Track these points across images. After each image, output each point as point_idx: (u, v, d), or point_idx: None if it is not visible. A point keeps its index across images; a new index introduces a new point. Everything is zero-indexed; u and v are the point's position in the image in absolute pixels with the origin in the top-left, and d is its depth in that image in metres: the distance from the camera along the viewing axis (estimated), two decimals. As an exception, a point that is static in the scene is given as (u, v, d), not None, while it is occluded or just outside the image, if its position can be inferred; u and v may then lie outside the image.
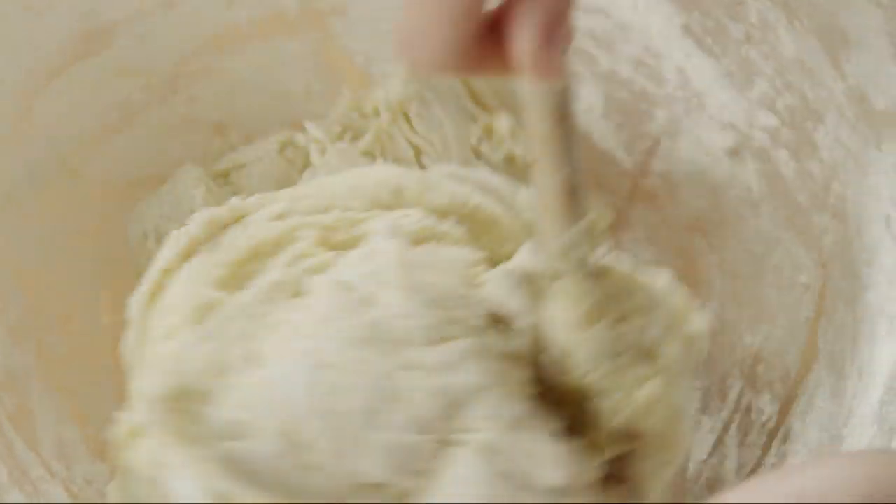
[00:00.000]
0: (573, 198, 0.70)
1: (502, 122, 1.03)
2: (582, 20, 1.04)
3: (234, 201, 0.82)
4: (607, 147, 1.08)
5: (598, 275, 0.73)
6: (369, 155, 0.99)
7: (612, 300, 0.73)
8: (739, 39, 0.96)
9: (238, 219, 0.81)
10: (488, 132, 1.03)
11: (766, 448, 0.91)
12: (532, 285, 0.74)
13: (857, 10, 0.86)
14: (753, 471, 0.91)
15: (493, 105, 1.05)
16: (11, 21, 0.93)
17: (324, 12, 1.08)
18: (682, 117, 1.02)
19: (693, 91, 1.01)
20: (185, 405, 0.70)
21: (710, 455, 0.96)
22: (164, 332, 0.75)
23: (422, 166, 1.01)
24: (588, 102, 1.07)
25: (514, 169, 1.02)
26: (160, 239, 0.92)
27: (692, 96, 1.01)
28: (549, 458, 0.69)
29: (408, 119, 1.02)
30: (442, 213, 0.83)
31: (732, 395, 0.97)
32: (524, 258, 0.78)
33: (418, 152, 1.01)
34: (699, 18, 0.98)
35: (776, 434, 0.91)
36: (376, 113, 1.03)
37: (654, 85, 1.03)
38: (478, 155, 1.01)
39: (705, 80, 1.00)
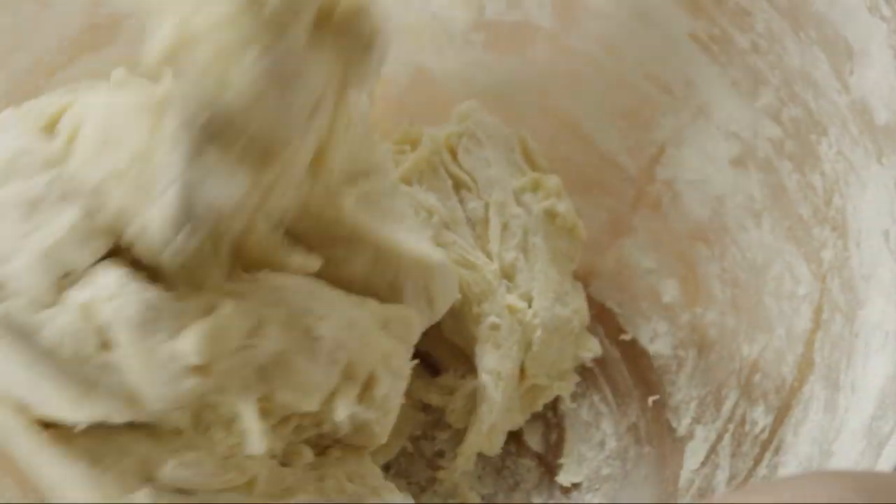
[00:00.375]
0: None
1: (552, 180, 1.03)
2: (590, 25, 1.04)
3: None
4: (612, 152, 1.08)
5: None
6: (406, 181, 0.99)
7: None
8: (746, 49, 0.96)
9: None
10: (535, 185, 1.03)
11: (758, 459, 0.91)
12: None
13: (862, 23, 0.86)
14: (744, 482, 0.92)
15: (542, 166, 1.05)
16: (18, 12, 0.93)
17: (333, 10, 1.09)
18: (688, 125, 1.02)
19: (699, 99, 1.01)
20: None
21: (703, 465, 0.96)
22: None
23: (460, 199, 1.01)
24: (595, 107, 1.08)
25: (552, 224, 1.02)
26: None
27: (698, 104, 1.01)
28: None
29: (453, 153, 1.02)
30: None
31: (728, 405, 0.98)
32: None
33: (458, 184, 1.02)
34: (706, 26, 0.98)
35: (769, 446, 0.91)
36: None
37: (660, 92, 1.03)
38: (518, 201, 1.02)
39: (712, 88, 1.00)
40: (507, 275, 1.00)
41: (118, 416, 0.74)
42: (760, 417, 0.94)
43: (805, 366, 0.91)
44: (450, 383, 0.99)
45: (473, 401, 0.97)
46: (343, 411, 0.82)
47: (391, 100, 1.12)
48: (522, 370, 0.98)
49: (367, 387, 0.84)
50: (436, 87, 1.12)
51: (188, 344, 0.73)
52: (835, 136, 0.90)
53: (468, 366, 0.98)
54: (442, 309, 0.92)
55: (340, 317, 0.81)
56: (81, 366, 0.73)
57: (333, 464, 0.87)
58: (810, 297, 0.93)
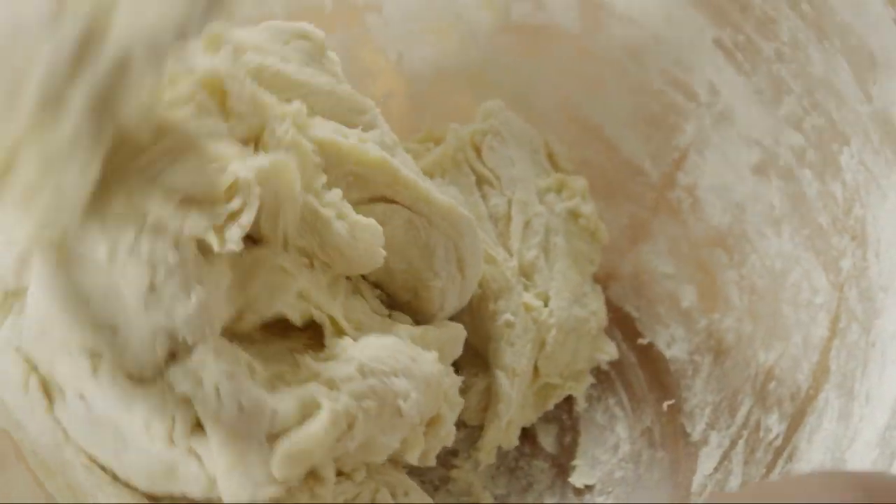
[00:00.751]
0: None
1: (579, 182, 1.04)
2: (615, 30, 1.04)
3: None
4: (634, 157, 1.08)
5: None
6: (428, 175, 0.99)
7: None
8: (770, 57, 0.96)
9: None
10: (560, 185, 1.03)
11: (770, 466, 0.91)
12: None
13: (886, 34, 0.86)
14: (757, 488, 0.91)
15: (566, 169, 1.05)
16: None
17: (359, 8, 1.09)
18: (711, 132, 1.02)
19: (722, 106, 1.01)
20: None
21: (716, 470, 0.96)
22: None
23: (483, 195, 1.02)
24: (618, 111, 1.08)
25: (575, 225, 1.03)
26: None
27: (721, 111, 1.01)
28: None
29: (477, 150, 1.03)
30: None
31: (742, 411, 0.98)
32: None
33: (481, 180, 1.02)
34: (731, 34, 0.98)
35: (782, 453, 0.91)
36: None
37: (683, 98, 1.03)
38: (541, 201, 1.02)
39: (735, 95, 1.00)
40: (526, 273, 1.00)
41: (191, 496, 0.75)
42: (774, 424, 0.94)
43: (820, 374, 0.91)
44: (464, 381, 1.00)
45: (487, 398, 0.98)
46: (413, 457, 0.85)
47: (414, 100, 1.13)
48: (536, 369, 0.99)
49: (432, 424, 0.87)
50: (459, 89, 1.12)
51: (277, 461, 0.74)
52: (856, 145, 0.90)
53: (481, 364, 0.99)
54: (471, 277, 0.93)
55: (420, 382, 0.83)
56: (169, 447, 0.74)
57: (379, 472, 0.88)
58: (827, 305, 0.93)
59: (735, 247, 1.02)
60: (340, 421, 0.76)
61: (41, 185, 0.69)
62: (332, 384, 0.78)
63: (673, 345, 1.06)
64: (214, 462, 0.73)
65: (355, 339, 0.82)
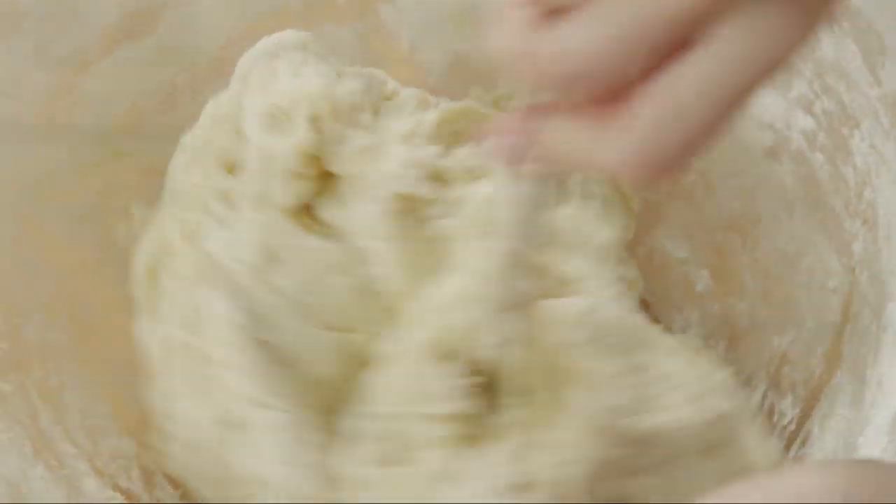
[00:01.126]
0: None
1: None
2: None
3: None
4: (648, 142, 1.07)
5: None
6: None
7: None
8: (780, 40, 0.95)
9: None
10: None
11: (783, 452, 0.91)
12: None
13: (894, 16, 0.86)
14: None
15: None
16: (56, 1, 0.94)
17: (372, -3, 1.09)
18: (723, 114, 1.02)
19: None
20: None
21: (730, 456, 0.96)
22: None
23: None
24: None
25: (610, 189, 1.02)
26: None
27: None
28: None
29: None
30: None
31: (756, 396, 0.98)
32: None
33: None
34: (741, 16, 0.97)
35: (795, 438, 0.91)
36: None
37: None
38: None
39: (747, 78, 1.00)
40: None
41: None
42: (788, 409, 0.94)
43: (833, 359, 0.91)
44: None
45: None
46: None
47: (429, 89, 1.12)
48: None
49: None
50: (474, 78, 1.12)
51: None
52: (867, 129, 0.90)
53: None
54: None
55: None
56: None
57: None
58: (840, 290, 0.92)
59: (749, 231, 1.02)
60: None
61: None
62: None
63: (688, 330, 1.06)
64: None
65: None
